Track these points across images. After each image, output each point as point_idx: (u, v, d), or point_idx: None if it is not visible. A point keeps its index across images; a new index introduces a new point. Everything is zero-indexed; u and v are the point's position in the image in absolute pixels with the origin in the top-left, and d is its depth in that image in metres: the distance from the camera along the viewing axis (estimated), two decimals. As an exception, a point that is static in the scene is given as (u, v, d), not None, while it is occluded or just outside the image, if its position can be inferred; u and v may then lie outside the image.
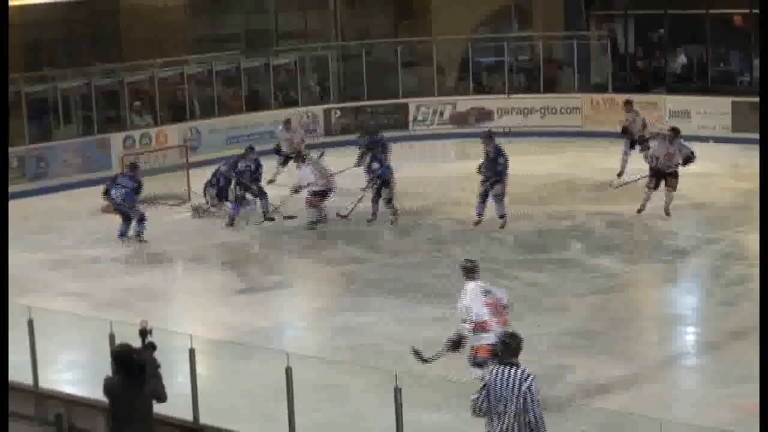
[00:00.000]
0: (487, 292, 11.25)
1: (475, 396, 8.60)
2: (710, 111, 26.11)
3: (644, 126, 22.52)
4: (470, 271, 11.34)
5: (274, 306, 15.93)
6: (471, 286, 11.19)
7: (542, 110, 28.33)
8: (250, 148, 20.49)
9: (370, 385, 10.71)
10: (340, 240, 18.86)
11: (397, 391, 8.17)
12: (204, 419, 9.31)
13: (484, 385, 8.64)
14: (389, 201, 19.54)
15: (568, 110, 28.10)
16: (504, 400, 8.47)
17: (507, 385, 8.49)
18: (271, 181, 22.02)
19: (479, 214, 19.16)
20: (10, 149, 23.85)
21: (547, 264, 16.98)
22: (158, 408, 9.60)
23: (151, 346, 9.25)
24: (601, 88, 28.63)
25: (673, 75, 29.03)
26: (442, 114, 28.85)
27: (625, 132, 22.51)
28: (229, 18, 33.31)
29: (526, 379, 8.47)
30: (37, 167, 24.12)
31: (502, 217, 18.92)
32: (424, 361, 11.69)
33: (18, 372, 10.25)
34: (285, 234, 19.52)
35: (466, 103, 28.90)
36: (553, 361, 12.86)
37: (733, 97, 26.05)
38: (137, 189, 19.05)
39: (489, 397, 8.54)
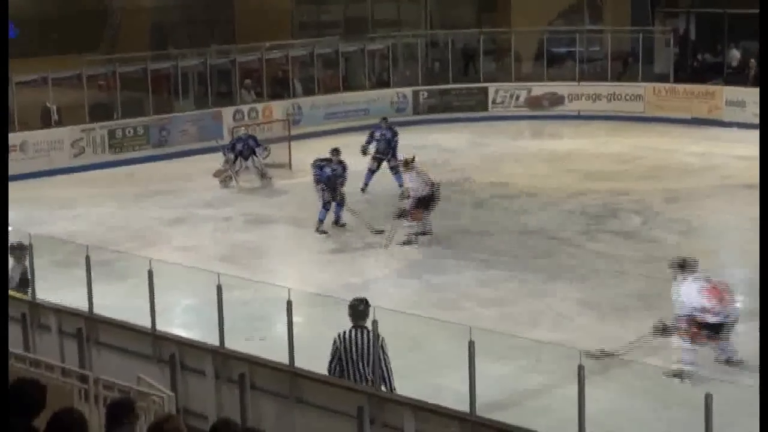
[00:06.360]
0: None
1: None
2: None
3: None
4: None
5: (363, 265, 15.94)
6: None
7: (609, 96, 27.98)
8: (336, 151, 17.50)
9: (447, 337, 10.69)
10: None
11: (471, 345, 8.12)
12: (299, 363, 9.35)
13: (336, 349, 9.00)
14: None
15: (633, 97, 27.71)
16: (358, 359, 8.87)
17: (358, 347, 8.89)
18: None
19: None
20: (138, 119, 24.27)
21: (610, 235, 16.80)
22: (260, 352, 9.70)
23: None
24: (663, 78, 28.17)
25: (730, 68, 28.45)
26: (518, 98, 28.62)
27: None
28: (330, 7, 33.50)
29: (378, 339, 8.75)
30: (159, 135, 24.47)
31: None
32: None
33: (139, 316, 10.38)
34: (377, 204, 19.46)
35: (540, 88, 28.66)
36: (612, 323, 12.75)
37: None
38: None
39: (341, 359, 8.97)
